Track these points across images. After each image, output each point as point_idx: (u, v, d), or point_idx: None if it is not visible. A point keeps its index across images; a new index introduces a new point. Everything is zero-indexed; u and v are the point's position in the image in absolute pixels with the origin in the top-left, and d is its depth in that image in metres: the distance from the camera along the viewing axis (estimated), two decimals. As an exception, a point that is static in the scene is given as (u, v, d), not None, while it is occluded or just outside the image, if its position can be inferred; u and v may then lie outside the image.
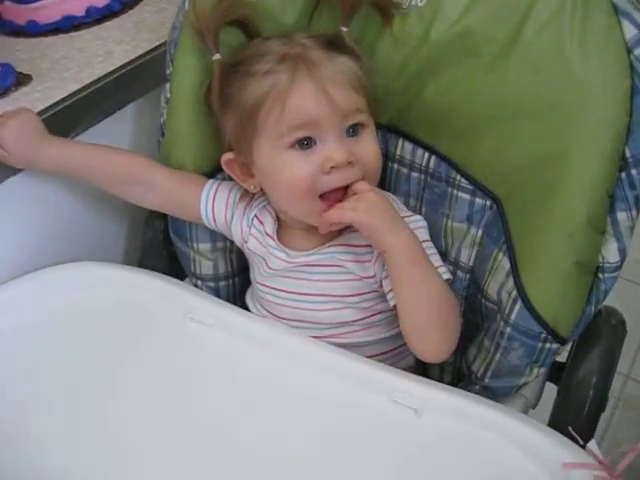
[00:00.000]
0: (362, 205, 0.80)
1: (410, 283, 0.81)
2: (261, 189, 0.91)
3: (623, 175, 0.78)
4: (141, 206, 1.01)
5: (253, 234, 0.94)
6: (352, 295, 0.90)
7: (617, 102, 0.76)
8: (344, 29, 0.88)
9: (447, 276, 0.85)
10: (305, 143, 0.82)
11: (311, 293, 0.91)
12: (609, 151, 0.77)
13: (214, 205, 0.96)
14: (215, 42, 0.89)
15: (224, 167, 0.92)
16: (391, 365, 0.85)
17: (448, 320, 0.82)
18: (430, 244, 0.88)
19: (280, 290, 0.93)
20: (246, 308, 0.98)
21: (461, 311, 0.97)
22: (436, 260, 0.86)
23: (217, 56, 0.89)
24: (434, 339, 0.82)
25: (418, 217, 0.90)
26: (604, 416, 0.90)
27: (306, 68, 0.81)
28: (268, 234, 0.93)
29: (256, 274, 0.96)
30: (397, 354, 0.93)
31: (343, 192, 0.83)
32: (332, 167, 0.81)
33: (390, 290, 0.85)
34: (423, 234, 0.88)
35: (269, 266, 0.92)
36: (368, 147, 0.84)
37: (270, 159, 0.85)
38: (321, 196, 0.83)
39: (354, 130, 0.84)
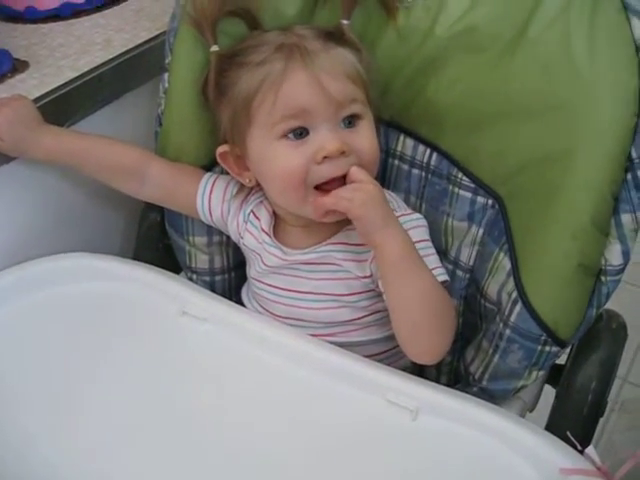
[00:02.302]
0: (359, 196, 0.78)
1: (400, 282, 0.79)
2: (257, 183, 0.89)
3: (629, 176, 0.77)
4: (137, 198, 0.99)
5: (249, 230, 0.93)
6: (349, 294, 0.88)
7: (624, 102, 0.75)
8: (345, 22, 0.87)
9: (444, 278, 0.84)
10: (299, 133, 0.81)
11: (307, 291, 0.89)
12: (615, 151, 0.76)
13: (210, 199, 0.95)
14: (213, 33, 0.88)
15: (219, 160, 0.90)
16: (389, 365, 0.83)
17: (439, 322, 0.80)
18: (429, 244, 0.86)
19: (275, 287, 0.91)
20: (241, 304, 0.97)
21: (459, 311, 0.96)
22: (434, 261, 0.84)
23: (214, 48, 0.88)
24: (424, 340, 0.80)
25: (418, 215, 0.88)
26: (600, 420, 0.89)
27: (301, 57, 0.80)
28: (264, 230, 0.91)
29: (252, 270, 0.95)
30: (393, 354, 0.92)
31: (340, 184, 0.81)
32: (325, 157, 0.79)
33: None
34: (423, 233, 0.86)
35: (264, 262, 0.91)
36: (364, 138, 0.83)
37: (263, 150, 0.83)
38: (317, 188, 0.82)
39: (350, 121, 0.82)
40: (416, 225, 0.85)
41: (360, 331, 0.90)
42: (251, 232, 0.93)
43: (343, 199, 0.78)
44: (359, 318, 0.89)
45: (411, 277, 0.79)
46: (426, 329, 0.80)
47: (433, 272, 0.81)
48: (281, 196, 0.86)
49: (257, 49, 0.83)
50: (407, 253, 0.79)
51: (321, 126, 0.80)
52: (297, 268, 0.89)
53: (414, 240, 0.81)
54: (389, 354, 0.92)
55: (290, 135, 0.81)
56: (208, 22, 0.87)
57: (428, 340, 0.80)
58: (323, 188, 0.81)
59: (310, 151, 0.80)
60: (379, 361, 0.83)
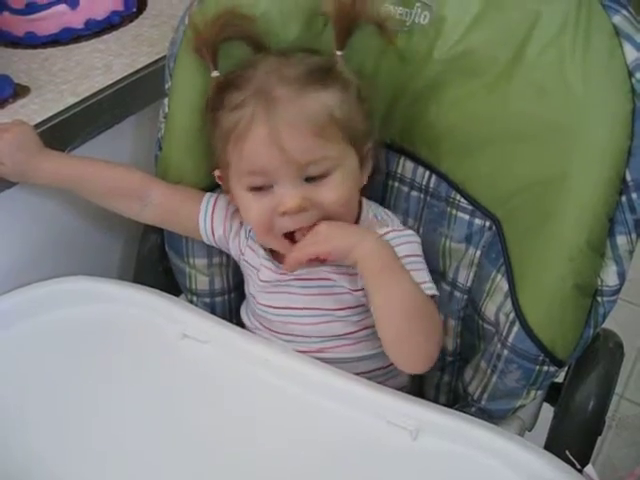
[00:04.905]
0: (319, 237, 0.81)
1: (382, 289, 0.80)
2: None
3: (623, 199, 0.78)
4: (138, 221, 1.00)
5: (250, 245, 0.94)
6: (340, 309, 0.89)
7: (618, 125, 0.76)
8: (339, 53, 0.87)
9: (432, 292, 0.83)
10: (261, 188, 0.83)
11: (300, 307, 0.90)
12: (610, 174, 0.77)
13: (213, 218, 0.96)
14: (213, 59, 0.88)
15: (218, 181, 0.92)
16: (383, 384, 0.84)
17: (424, 327, 0.80)
18: (420, 259, 0.86)
19: (271, 307, 0.93)
20: (241, 324, 0.98)
21: (457, 332, 0.96)
22: (424, 275, 0.85)
23: (215, 73, 0.88)
24: (407, 346, 0.81)
25: (411, 232, 0.89)
26: (598, 437, 0.90)
27: (265, 110, 0.80)
28: (261, 245, 0.92)
29: (250, 287, 0.96)
30: (388, 372, 0.93)
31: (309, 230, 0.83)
32: (284, 212, 0.81)
33: None
34: (415, 248, 0.87)
35: (260, 278, 0.92)
36: (329, 191, 0.82)
37: (236, 193, 0.87)
38: (286, 235, 0.84)
39: (314, 177, 0.82)
40: (407, 241, 0.86)
41: (352, 346, 0.91)
42: (252, 247, 0.94)
43: (308, 247, 0.81)
44: (351, 333, 0.90)
45: (391, 284, 0.79)
46: (408, 334, 0.80)
47: (422, 286, 0.82)
48: (259, 237, 0.90)
49: (244, 85, 0.83)
50: (385, 261, 0.80)
51: (283, 181, 0.81)
52: (290, 285, 0.90)
53: (404, 254, 0.82)
54: (383, 372, 0.92)
55: (253, 188, 0.83)
56: (208, 48, 0.88)
57: (412, 345, 0.80)
58: (290, 237, 0.84)
59: (272, 204, 0.82)
60: (373, 378, 0.84)
